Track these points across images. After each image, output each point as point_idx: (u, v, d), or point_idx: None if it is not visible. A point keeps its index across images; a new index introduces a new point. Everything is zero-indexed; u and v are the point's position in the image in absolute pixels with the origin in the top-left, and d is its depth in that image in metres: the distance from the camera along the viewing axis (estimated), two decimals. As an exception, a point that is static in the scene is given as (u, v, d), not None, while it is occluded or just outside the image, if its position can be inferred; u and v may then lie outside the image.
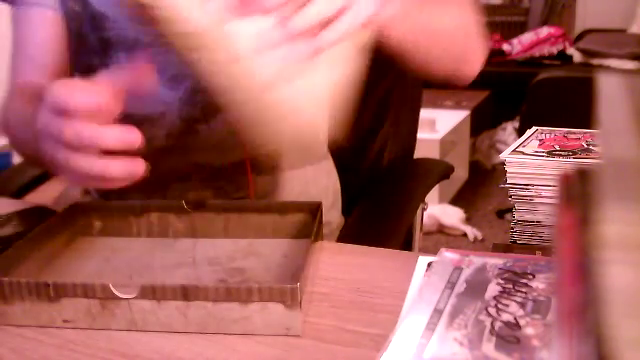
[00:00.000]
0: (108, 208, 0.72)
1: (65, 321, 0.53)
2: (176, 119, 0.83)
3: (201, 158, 0.86)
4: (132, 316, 0.53)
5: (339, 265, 0.63)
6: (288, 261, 0.65)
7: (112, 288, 0.52)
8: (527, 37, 3.63)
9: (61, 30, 0.83)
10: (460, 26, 0.74)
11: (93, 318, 0.53)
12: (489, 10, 4.37)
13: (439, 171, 1.09)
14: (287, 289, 0.50)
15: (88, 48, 0.80)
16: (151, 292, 0.52)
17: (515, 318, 0.48)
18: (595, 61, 3.10)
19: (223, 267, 0.64)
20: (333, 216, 0.92)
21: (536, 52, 3.53)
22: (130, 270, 0.64)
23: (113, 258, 0.67)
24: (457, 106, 3.13)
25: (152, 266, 0.65)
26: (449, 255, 0.58)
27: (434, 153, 2.57)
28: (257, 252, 0.67)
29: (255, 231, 0.70)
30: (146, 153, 0.97)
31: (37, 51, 0.84)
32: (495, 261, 0.57)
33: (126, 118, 0.90)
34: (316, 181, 0.90)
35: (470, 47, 0.77)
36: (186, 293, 0.51)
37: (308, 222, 0.69)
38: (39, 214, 0.74)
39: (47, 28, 0.83)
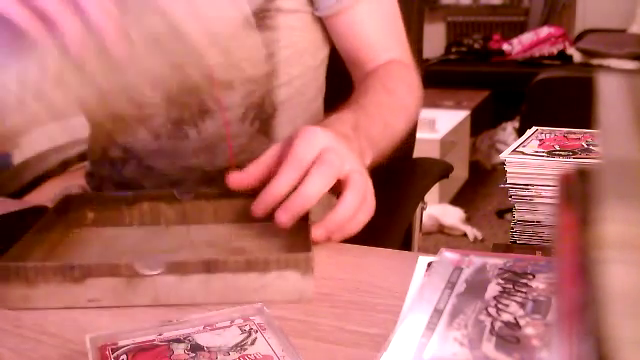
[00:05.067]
0: (101, 199, 0.73)
1: (90, 300, 0.55)
2: (165, 121, 0.84)
3: (191, 162, 0.87)
4: (156, 292, 0.55)
5: (339, 265, 0.63)
6: (283, 240, 0.65)
7: (137, 266, 0.54)
8: (527, 37, 3.63)
9: None
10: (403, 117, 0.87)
11: (118, 296, 0.55)
12: (489, 10, 4.37)
13: (438, 170, 1.09)
14: (301, 257, 0.55)
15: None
16: (175, 268, 0.54)
17: (515, 318, 0.48)
18: (595, 61, 3.10)
19: (223, 248, 0.66)
20: None
21: (536, 52, 3.53)
22: (134, 254, 0.65)
23: (112, 246, 0.68)
24: (457, 106, 3.13)
25: (154, 250, 0.66)
26: (449, 255, 0.58)
27: (434, 153, 2.57)
28: (251, 234, 0.68)
29: (246, 216, 0.70)
30: (137, 155, 0.97)
31: None
32: (495, 261, 0.57)
33: (114, 117, 0.89)
34: None
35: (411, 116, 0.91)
36: (208, 267, 0.54)
37: None
38: (39, 214, 0.74)
39: None
